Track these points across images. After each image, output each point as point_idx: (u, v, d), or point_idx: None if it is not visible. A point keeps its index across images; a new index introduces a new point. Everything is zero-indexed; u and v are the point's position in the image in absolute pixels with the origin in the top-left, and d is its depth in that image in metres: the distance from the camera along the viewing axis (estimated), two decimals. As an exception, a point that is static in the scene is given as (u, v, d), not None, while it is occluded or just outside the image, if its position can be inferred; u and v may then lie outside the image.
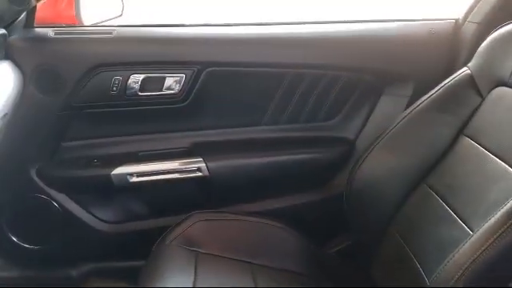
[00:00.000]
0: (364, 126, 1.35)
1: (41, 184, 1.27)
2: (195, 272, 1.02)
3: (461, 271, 0.74)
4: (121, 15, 1.35)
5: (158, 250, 1.10)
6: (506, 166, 0.86)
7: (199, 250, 1.08)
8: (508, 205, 0.75)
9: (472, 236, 0.77)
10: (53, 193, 1.28)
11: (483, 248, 0.73)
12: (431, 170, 1.05)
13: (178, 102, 1.28)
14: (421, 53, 1.32)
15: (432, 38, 1.32)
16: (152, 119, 1.32)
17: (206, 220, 1.17)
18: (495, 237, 0.73)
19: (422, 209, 1.02)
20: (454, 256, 0.77)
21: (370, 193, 1.13)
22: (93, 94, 1.23)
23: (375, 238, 1.09)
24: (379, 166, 1.12)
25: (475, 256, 0.73)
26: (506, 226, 0.72)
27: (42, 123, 1.23)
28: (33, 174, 1.26)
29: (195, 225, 1.14)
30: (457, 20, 1.33)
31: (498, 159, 0.90)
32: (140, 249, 1.14)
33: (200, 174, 1.29)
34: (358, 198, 1.15)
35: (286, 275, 1.08)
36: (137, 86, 1.24)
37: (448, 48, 1.30)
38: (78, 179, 1.28)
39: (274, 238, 1.17)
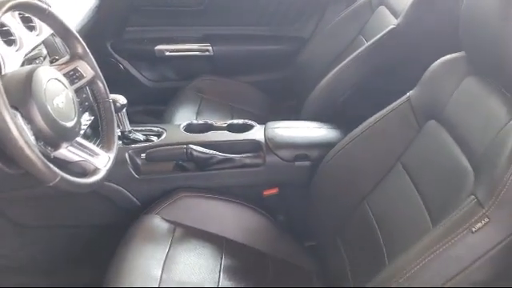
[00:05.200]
0: (315, 29, 2.06)
1: (113, 52, 2.05)
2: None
3: None
4: None
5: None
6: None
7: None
8: None
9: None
10: (119, 58, 2.07)
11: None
12: None
13: (197, 6, 2.02)
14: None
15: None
16: (181, 16, 2.06)
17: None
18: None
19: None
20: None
21: (309, 73, 1.85)
22: (147, -3, 1.98)
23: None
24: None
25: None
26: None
27: (115, 14, 1.98)
28: (108, 46, 2.03)
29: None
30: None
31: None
32: (168, 98, 1.90)
33: (208, 53, 2.06)
34: (300, 74, 1.90)
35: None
36: (173, -6, 1.97)
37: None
38: (134, 51, 2.07)
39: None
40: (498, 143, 0.79)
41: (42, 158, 0.78)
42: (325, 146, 1.28)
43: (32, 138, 0.81)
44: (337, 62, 1.72)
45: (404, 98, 1.11)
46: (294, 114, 1.85)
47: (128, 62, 2.09)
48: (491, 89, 0.89)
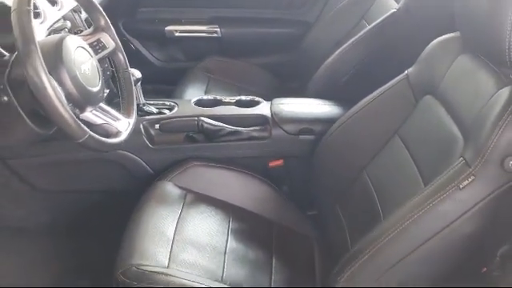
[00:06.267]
0: (320, 14, 2.11)
1: (124, 32, 2.12)
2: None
3: None
4: None
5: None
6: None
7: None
8: None
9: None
10: (130, 38, 2.14)
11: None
12: None
13: (206, -11, 2.09)
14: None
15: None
16: (190, -2, 2.14)
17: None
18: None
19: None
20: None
21: (313, 56, 1.92)
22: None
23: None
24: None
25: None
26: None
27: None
28: (120, 25, 2.10)
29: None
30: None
31: None
32: (177, 78, 1.96)
33: (216, 35, 2.14)
34: (305, 57, 1.97)
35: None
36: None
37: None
38: (145, 30, 2.15)
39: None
40: (485, 112, 0.87)
41: (73, 116, 0.86)
42: (328, 121, 1.35)
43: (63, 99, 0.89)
44: (340, 45, 1.75)
45: (402, 75, 1.18)
46: (298, 95, 1.92)
47: (139, 41, 2.15)
48: (482, 65, 0.97)
